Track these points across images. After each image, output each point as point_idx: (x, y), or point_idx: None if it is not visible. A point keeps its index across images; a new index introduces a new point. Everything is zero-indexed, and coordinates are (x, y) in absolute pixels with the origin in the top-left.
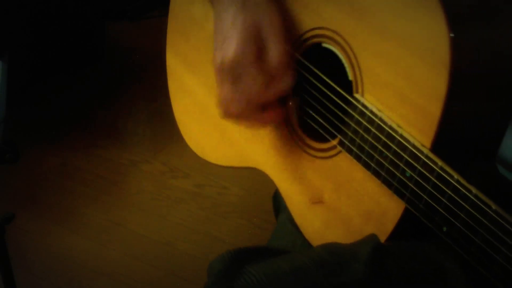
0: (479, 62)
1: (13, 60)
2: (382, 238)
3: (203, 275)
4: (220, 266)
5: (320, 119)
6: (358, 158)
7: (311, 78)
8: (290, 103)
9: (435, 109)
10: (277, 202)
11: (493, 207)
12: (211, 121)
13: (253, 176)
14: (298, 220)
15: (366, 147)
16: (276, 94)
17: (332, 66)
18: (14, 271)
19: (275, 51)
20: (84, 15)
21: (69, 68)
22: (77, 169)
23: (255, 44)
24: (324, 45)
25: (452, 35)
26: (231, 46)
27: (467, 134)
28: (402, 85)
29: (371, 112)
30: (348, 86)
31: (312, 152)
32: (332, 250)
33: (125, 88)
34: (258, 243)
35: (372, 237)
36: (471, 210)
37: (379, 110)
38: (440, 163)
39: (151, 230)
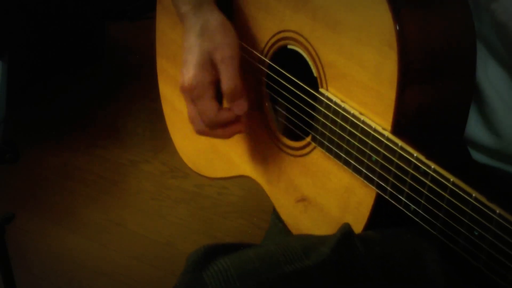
0: (428, 41)
1: (13, 60)
2: (360, 227)
3: None
4: (194, 257)
5: (293, 119)
6: (329, 151)
7: (281, 80)
8: (266, 105)
9: (390, 92)
10: (273, 202)
11: (451, 179)
12: (199, 138)
13: None
14: (287, 220)
15: (335, 139)
16: (231, 116)
17: (299, 66)
18: (14, 271)
19: (225, 78)
20: (84, 15)
21: (69, 68)
22: (77, 169)
23: (208, 70)
24: (290, 46)
25: (395, 17)
26: (189, 70)
27: (428, 115)
28: (359, 73)
29: (335, 103)
30: (314, 83)
31: (290, 151)
32: (302, 237)
33: (125, 88)
34: (258, 243)
35: (344, 225)
36: (432, 185)
37: (343, 101)
38: (400, 143)
39: (151, 230)
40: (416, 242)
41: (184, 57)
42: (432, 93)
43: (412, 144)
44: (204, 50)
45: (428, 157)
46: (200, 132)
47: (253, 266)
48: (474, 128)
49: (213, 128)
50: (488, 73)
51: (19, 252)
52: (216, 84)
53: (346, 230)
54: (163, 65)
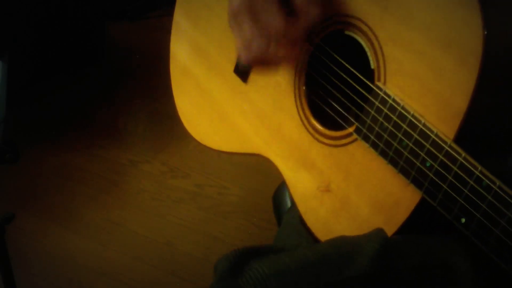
0: (506, 51)
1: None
2: (392, 229)
3: (203, 275)
4: (225, 264)
5: (337, 106)
6: (375, 147)
7: (330, 64)
8: (302, 86)
9: (461, 102)
10: (277, 203)
11: None
12: (213, 106)
13: (253, 176)
14: (302, 209)
15: (385, 135)
16: (303, 27)
17: (351, 54)
18: (14, 271)
19: None
20: (84, 15)
21: (69, 68)
22: (77, 169)
23: None
24: (347, 32)
25: (485, 32)
26: None
27: (489, 128)
28: (426, 75)
29: (393, 100)
30: (368, 74)
31: (323, 139)
32: (337, 245)
33: (125, 88)
34: (258, 243)
35: (380, 232)
36: (494, 201)
37: (401, 99)
38: (463, 153)
39: (151, 230)
40: (449, 253)
41: None
42: (502, 105)
43: (472, 154)
44: None
45: (493, 173)
46: (258, 55)
47: (291, 274)
48: None
49: (280, 44)
50: None
51: (19, 252)
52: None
53: (384, 241)
54: (180, 23)
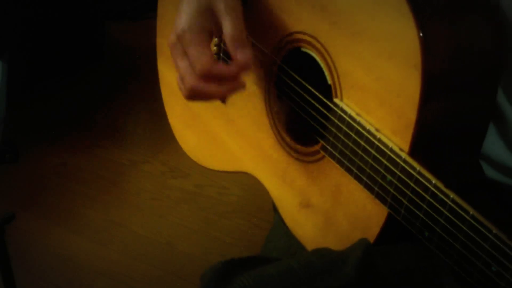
0: (451, 60)
1: (13, 60)
2: (370, 241)
3: None
4: (211, 276)
5: (302, 124)
6: (340, 163)
7: (292, 84)
8: (276, 109)
9: (410, 112)
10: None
11: (471, 212)
12: (202, 126)
13: (253, 176)
14: (289, 224)
15: (348, 153)
16: (229, 70)
17: (313, 70)
18: (14, 271)
19: (228, 23)
20: (84, 15)
21: (69, 68)
22: (77, 169)
23: (206, 17)
24: (303, 49)
25: (421, 34)
26: (183, 18)
27: (447, 133)
28: (378, 88)
29: (350, 117)
30: (328, 90)
31: (299, 156)
32: (322, 254)
33: (125, 88)
34: (258, 243)
35: (363, 241)
36: (450, 216)
37: (358, 114)
38: (418, 167)
39: (151, 230)
40: (433, 255)
41: (178, 10)
42: (453, 110)
43: (429, 162)
44: (202, 1)
45: (446, 186)
46: (190, 90)
47: (276, 286)
48: (493, 146)
49: (207, 81)
50: (510, 94)
51: (19, 252)
52: (212, 35)
53: (366, 248)
54: (163, 46)
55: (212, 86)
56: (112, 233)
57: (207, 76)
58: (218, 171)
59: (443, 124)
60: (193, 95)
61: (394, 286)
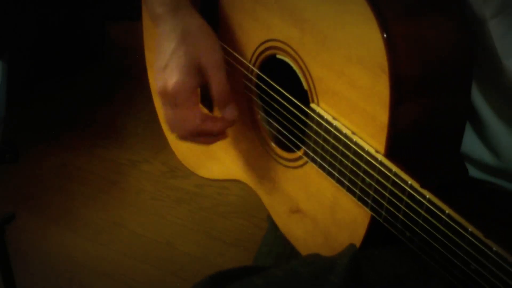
0: (418, 61)
1: (13, 60)
2: (357, 244)
3: (203, 275)
4: None
5: (284, 131)
6: (322, 168)
7: (270, 92)
8: (257, 114)
9: (382, 115)
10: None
11: (447, 211)
12: None
13: None
14: (282, 229)
15: (328, 157)
16: (217, 126)
17: (290, 77)
18: (14, 271)
19: (215, 83)
20: (84, 15)
21: (69, 68)
22: (77, 169)
23: (194, 76)
24: (278, 56)
25: (385, 36)
26: (173, 75)
27: (422, 134)
28: (350, 92)
29: (327, 121)
30: (304, 96)
31: (284, 162)
32: (309, 262)
33: (125, 88)
34: (258, 243)
35: (350, 248)
36: (427, 216)
37: (334, 118)
38: (394, 169)
39: (151, 230)
40: (421, 258)
41: (164, 61)
42: (426, 111)
43: (408, 162)
44: (189, 55)
45: (423, 186)
46: (182, 138)
47: None
48: (472, 146)
49: (196, 136)
50: (485, 94)
51: (19, 252)
52: (199, 90)
53: (353, 255)
54: (149, 58)
55: (200, 139)
56: (112, 233)
57: (196, 135)
58: (213, 179)
59: (417, 125)
60: (182, 140)
61: None
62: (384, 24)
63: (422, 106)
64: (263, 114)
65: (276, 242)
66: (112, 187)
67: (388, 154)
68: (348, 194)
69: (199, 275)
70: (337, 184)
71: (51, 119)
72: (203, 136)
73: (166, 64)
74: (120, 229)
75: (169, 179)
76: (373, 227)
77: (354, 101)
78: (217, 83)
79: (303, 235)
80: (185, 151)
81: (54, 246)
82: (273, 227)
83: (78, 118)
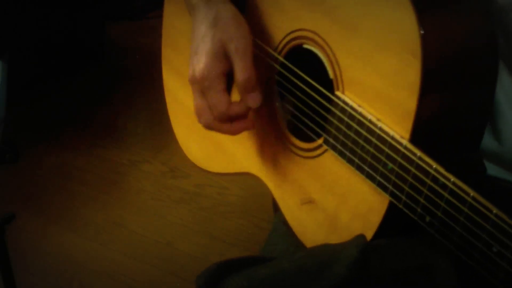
0: (450, 48)
1: (13, 60)
2: (370, 233)
3: None
4: (205, 279)
5: (305, 119)
6: (342, 155)
7: (294, 80)
8: (276, 103)
9: (409, 101)
10: (277, 202)
11: (471, 193)
12: (203, 132)
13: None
14: (290, 221)
15: (349, 143)
16: (242, 110)
17: (315, 66)
18: (14, 271)
19: (240, 69)
20: (84, 15)
21: (69, 68)
22: (77, 169)
23: (221, 61)
24: (305, 46)
25: (422, 32)
26: (200, 60)
27: (447, 123)
28: (377, 81)
29: (352, 108)
30: (329, 84)
31: (299, 152)
32: (315, 253)
33: (125, 88)
34: (258, 243)
35: (359, 238)
36: (450, 198)
37: (359, 106)
38: (419, 153)
39: (151, 230)
40: (429, 255)
41: (194, 47)
42: (452, 101)
43: (430, 153)
44: (217, 40)
45: (447, 170)
46: (207, 126)
47: (269, 286)
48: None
49: (222, 122)
50: (502, 83)
51: (19, 252)
52: (227, 76)
53: (363, 247)
54: (168, 55)
55: (225, 126)
56: (112, 233)
57: (223, 119)
58: (221, 174)
59: (442, 115)
60: (207, 128)
61: (387, 285)
62: (419, 10)
63: (449, 96)
64: (282, 105)
65: (281, 240)
66: (112, 187)
67: (412, 140)
68: (366, 182)
69: None
70: (354, 174)
71: (51, 119)
72: (230, 123)
73: (196, 50)
74: (120, 229)
75: (169, 179)
76: (389, 215)
77: (380, 88)
78: (243, 68)
79: (313, 226)
80: (193, 146)
81: (54, 246)
82: (278, 226)
83: (78, 118)
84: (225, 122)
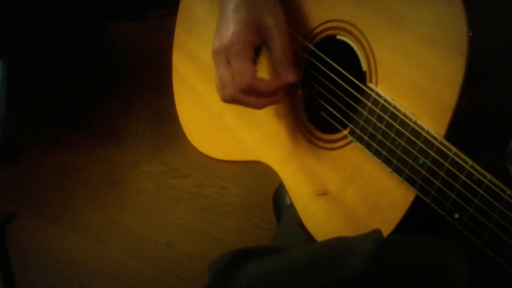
0: (493, 45)
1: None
2: (389, 229)
3: (203, 275)
4: (220, 265)
5: (331, 109)
6: (369, 147)
7: (323, 68)
8: (299, 92)
9: (450, 98)
10: (277, 202)
11: (508, 191)
12: (212, 117)
13: (253, 176)
14: (301, 212)
15: (378, 135)
16: (270, 87)
17: (344, 57)
18: (14, 271)
19: (279, 44)
20: (84, 15)
21: (69, 68)
22: (77, 169)
23: (254, 32)
24: (339, 37)
25: (471, 34)
26: (229, 27)
27: (480, 124)
28: (416, 74)
29: (385, 100)
30: (360, 76)
31: (320, 143)
32: (331, 246)
33: (125, 88)
34: (258, 243)
35: (375, 233)
36: (486, 195)
37: (393, 99)
38: (454, 149)
39: (151, 230)
40: (444, 252)
41: (224, 18)
42: (490, 100)
43: (461, 151)
44: (254, 13)
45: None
46: (229, 98)
47: (284, 276)
48: None
49: (247, 93)
50: None
51: (19, 252)
52: (257, 51)
53: (379, 241)
54: (182, 39)
55: (250, 99)
56: (112, 233)
57: (247, 91)
58: (226, 161)
59: (478, 112)
60: (230, 101)
61: (402, 281)
62: (468, 7)
63: (487, 95)
64: (306, 94)
65: (288, 237)
66: (112, 187)
67: (447, 136)
68: (390, 176)
69: (199, 275)
70: (377, 167)
71: (51, 119)
72: (255, 95)
73: (224, 22)
74: (120, 229)
75: (169, 179)
76: (412, 211)
77: (417, 82)
78: (282, 42)
79: (325, 219)
80: (200, 132)
81: (54, 246)
82: (286, 223)
83: (78, 118)
84: (249, 94)
